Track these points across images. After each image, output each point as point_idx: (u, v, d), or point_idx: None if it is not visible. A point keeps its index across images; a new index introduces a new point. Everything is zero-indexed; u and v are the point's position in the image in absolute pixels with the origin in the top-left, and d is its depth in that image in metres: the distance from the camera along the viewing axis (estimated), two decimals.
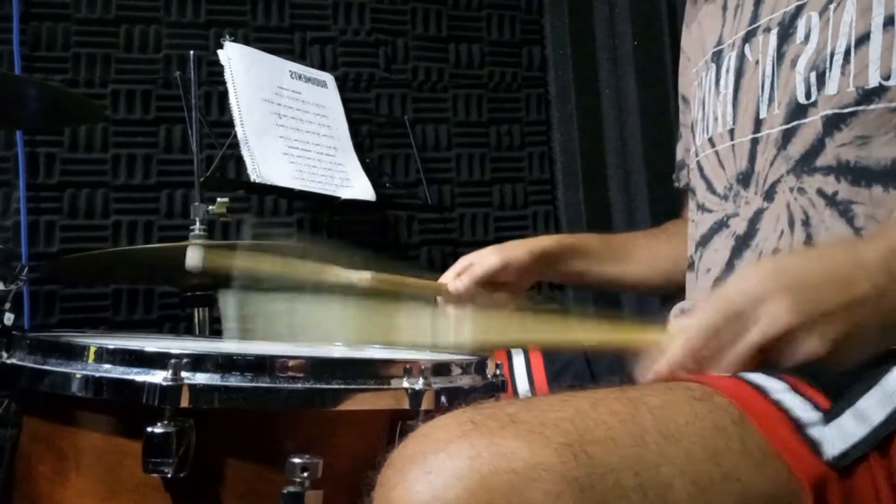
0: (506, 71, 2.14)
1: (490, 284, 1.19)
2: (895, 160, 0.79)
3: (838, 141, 0.82)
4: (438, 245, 2.03)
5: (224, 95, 1.63)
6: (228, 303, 0.96)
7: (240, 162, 1.58)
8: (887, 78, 0.79)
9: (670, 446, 0.63)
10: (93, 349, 0.76)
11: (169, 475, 0.69)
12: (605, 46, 2.07)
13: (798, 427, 0.67)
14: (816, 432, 0.67)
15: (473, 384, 0.83)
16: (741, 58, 0.95)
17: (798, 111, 0.86)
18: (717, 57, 1.00)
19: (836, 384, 0.71)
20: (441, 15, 2.10)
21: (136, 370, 0.73)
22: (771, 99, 0.89)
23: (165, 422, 0.69)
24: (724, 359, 0.70)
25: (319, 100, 1.76)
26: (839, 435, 0.66)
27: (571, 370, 1.15)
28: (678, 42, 1.22)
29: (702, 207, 1.01)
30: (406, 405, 0.75)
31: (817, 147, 0.83)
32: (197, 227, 1.48)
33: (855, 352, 0.69)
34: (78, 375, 0.74)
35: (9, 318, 1.02)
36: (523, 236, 2.09)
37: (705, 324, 0.71)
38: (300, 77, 1.74)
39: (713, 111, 0.99)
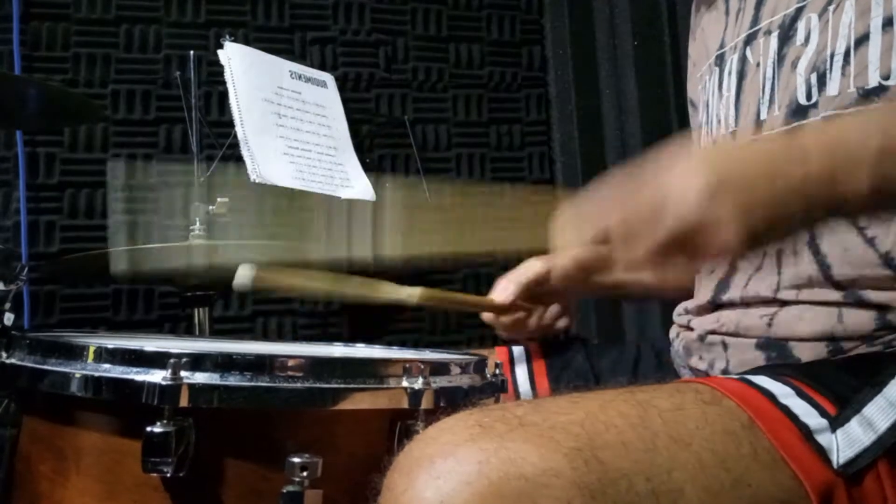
0: (506, 71, 2.14)
1: (538, 294, 1.14)
2: None
3: None
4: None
5: (224, 95, 1.63)
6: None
7: (240, 162, 1.58)
8: (887, 78, 0.79)
9: (681, 451, 0.63)
10: (92, 349, 0.75)
11: (168, 474, 0.69)
12: (605, 46, 2.07)
13: (806, 434, 0.66)
14: (824, 439, 0.66)
15: (473, 384, 0.83)
16: (743, 60, 0.95)
17: (798, 112, 0.86)
18: (720, 60, 1.01)
19: (841, 389, 0.70)
20: (441, 15, 2.10)
21: (135, 370, 0.73)
22: (771, 100, 0.89)
23: (165, 421, 0.69)
24: (635, 250, 0.65)
25: (319, 100, 1.76)
26: (847, 442, 0.66)
27: (573, 369, 1.15)
28: (678, 42, 1.22)
29: None
30: (405, 404, 0.75)
31: None
32: (197, 227, 1.48)
33: (776, 237, 0.66)
34: (77, 375, 0.74)
35: (9, 318, 1.01)
36: None
37: (616, 210, 0.66)
38: (300, 77, 1.74)
39: (717, 114, 0.99)
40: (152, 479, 0.71)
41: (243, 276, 0.95)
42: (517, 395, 1.13)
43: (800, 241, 0.84)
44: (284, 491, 0.68)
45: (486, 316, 1.17)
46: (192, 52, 1.62)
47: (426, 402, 0.75)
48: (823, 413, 0.68)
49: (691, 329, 0.98)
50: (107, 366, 0.74)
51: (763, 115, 0.90)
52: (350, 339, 1.14)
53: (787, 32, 0.89)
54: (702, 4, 1.11)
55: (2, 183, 1.77)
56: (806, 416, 0.67)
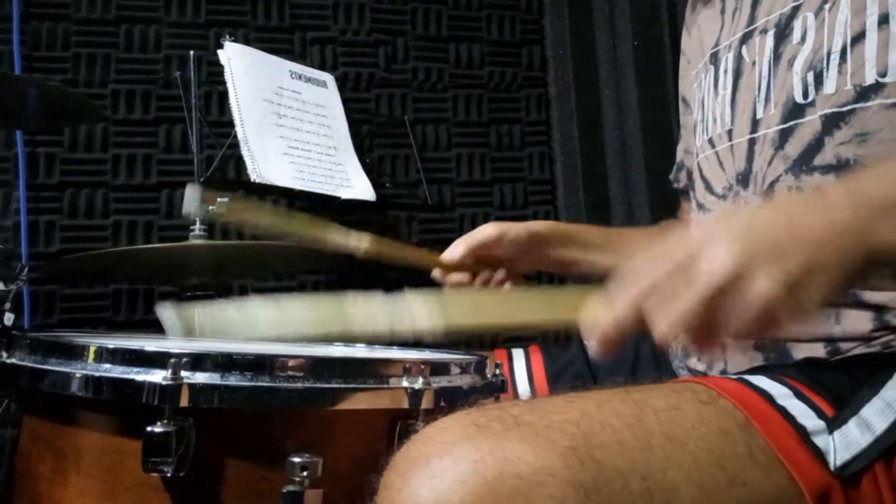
0: (506, 71, 2.14)
1: (486, 258, 1.15)
2: (893, 157, 0.79)
3: (838, 139, 0.82)
4: (438, 245, 2.02)
5: (224, 95, 1.63)
6: (166, 314, 0.90)
7: (240, 162, 1.58)
8: (883, 75, 0.79)
9: (676, 450, 0.63)
10: (93, 349, 0.76)
11: (168, 474, 0.69)
12: (605, 46, 2.07)
13: (803, 435, 0.66)
14: (821, 441, 0.66)
15: (473, 384, 0.83)
16: (738, 59, 0.95)
17: (795, 111, 0.86)
18: (715, 58, 1.01)
19: (839, 390, 0.70)
20: (441, 15, 2.10)
21: (135, 370, 0.73)
22: (767, 99, 0.89)
23: (165, 421, 0.69)
24: (670, 314, 0.61)
25: (319, 100, 1.76)
26: (844, 444, 0.66)
27: (572, 370, 1.15)
28: (678, 42, 1.22)
29: (701, 207, 1.01)
30: (405, 404, 0.75)
31: (815, 146, 0.83)
32: (197, 227, 1.49)
33: (815, 293, 0.61)
34: (78, 375, 0.74)
35: (9, 318, 1.01)
36: None
37: (648, 274, 0.63)
38: (300, 77, 1.74)
39: (712, 112, 0.99)
40: (152, 479, 0.71)
41: (191, 198, 0.93)
42: (516, 395, 1.13)
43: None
44: (285, 491, 0.69)
45: (435, 272, 1.17)
46: (192, 52, 1.62)
47: (426, 402, 0.75)
48: (821, 414, 0.68)
49: None
50: (107, 366, 0.74)
51: (759, 114, 0.90)
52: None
53: (783, 31, 0.89)
54: (698, 1, 1.11)
55: (2, 183, 1.77)
56: (803, 417, 0.68)
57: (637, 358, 1.13)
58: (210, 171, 1.56)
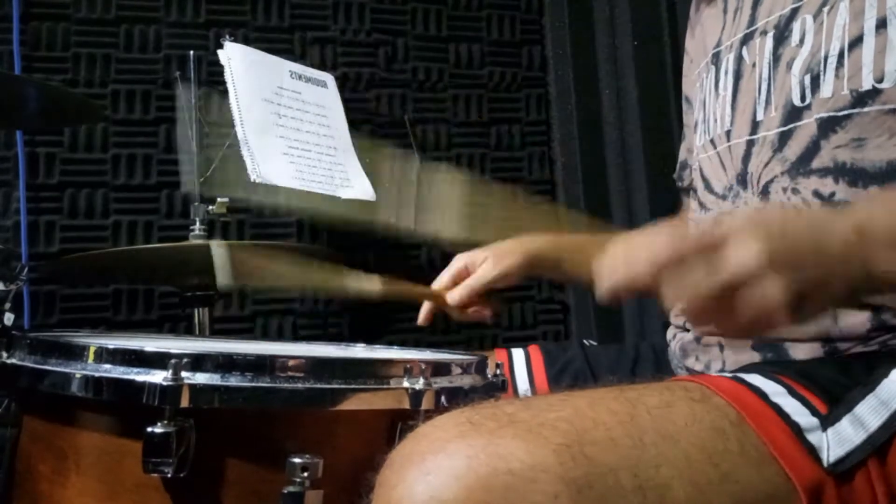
0: (506, 71, 2.14)
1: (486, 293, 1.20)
2: (890, 162, 0.79)
3: (834, 143, 0.82)
4: (438, 245, 2.03)
5: (224, 95, 1.63)
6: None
7: (240, 162, 1.58)
8: (880, 81, 0.79)
9: (669, 447, 0.63)
10: (93, 349, 0.76)
11: (169, 475, 0.69)
12: (605, 46, 2.07)
13: (796, 432, 0.67)
14: (815, 438, 0.67)
15: (474, 384, 0.83)
16: (739, 60, 0.95)
17: (794, 113, 0.86)
18: (717, 59, 1.01)
19: (834, 388, 0.71)
20: (441, 15, 2.10)
21: (136, 370, 0.73)
22: (768, 101, 0.89)
23: (165, 421, 0.69)
24: (685, 290, 0.64)
25: (319, 100, 1.76)
26: (837, 440, 0.66)
27: (572, 369, 1.15)
28: (678, 42, 1.22)
29: (702, 206, 1.01)
30: (406, 405, 0.75)
31: (812, 149, 0.83)
32: (197, 227, 1.49)
33: (817, 306, 0.67)
34: (78, 375, 0.74)
35: (9, 318, 1.01)
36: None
37: (677, 246, 0.65)
38: (300, 77, 1.74)
39: (713, 113, 0.99)
40: (153, 480, 0.71)
41: (221, 262, 0.98)
42: (516, 395, 1.13)
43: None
44: (285, 491, 0.69)
45: (435, 303, 1.24)
46: (192, 52, 1.62)
47: (427, 403, 0.75)
48: (815, 412, 0.68)
49: (687, 330, 0.98)
50: (107, 366, 0.74)
51: (759, 116, 0.90)
52: (350, 339, 1.14)
53: (782, 33, 0.89)
54: (701, 1, 1.11)
55: (2, 183, 1.77)
56: (796, 414, 0.68)
57: (637, 358, 1.13)
58: (210, 171, 1.56)
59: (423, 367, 0.77)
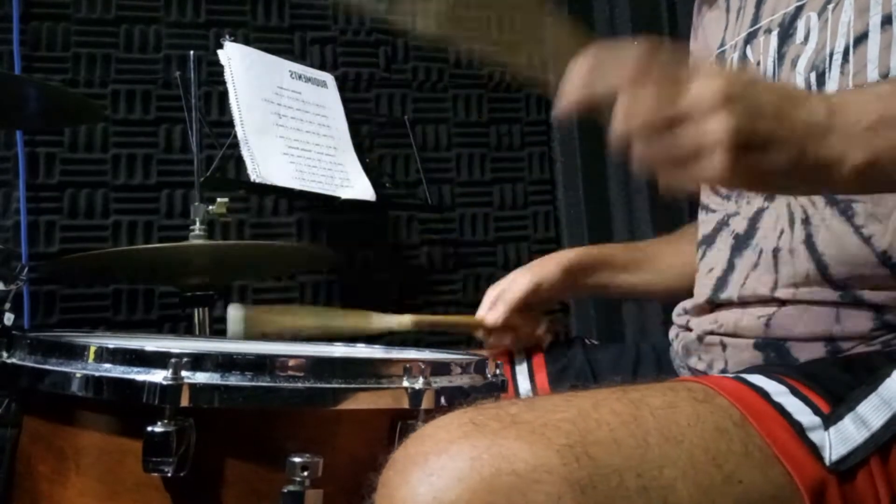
0: (506, 71, 2.14)
1: (526, 307, 1.16)
2: None
3: None
4: (438, 245, 2.03)
5: (224, 95, 1.63)
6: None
7: (240, 162, 1.58)
8: (885, 76, 0.79)
9: (672, 448, 0.63)
10: (93, 349, 0.76)
11: (169, 474, 0.69)
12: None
13: (799, 431, 0.67)
14: (817, 437, 0.67)
15: (473, 384, 0.83)
16: (743, 59, 0.95)
17: None
18: (721, 59, 1.01)
19: (836, 387, 0.71)
20: None
21: (136, 369, 0.73)
22: None
23: (165, 421, 0.69)
24: (636, 109, 0.63)
25: (319, 100, 1.76)
26: (839, 439, 0.66)
27: (573, 370, 1.15)
28: (678, 42, 1.22)
29: (706, 208, 1.01)
30: (406, 404, 0.75)
31: None
32: (197, 227, 1.49)
33: (758, 170, 0.63)
34: (78, 375, 0.74)
35: (9, 318, 1.01)
36: (523, 236, 2.10)
37: (645, 67, 0.64)
38: (300, 77, 1.74)
39: None
40: (153, 479, 0.71)
41: (235, 317, 0.99)
42: (517, 395, 1.13)
43: (796, 238, 0.84)
44: (285, 491, 0.69)
45: (478, 333, 1.19)
46: (192, 52, 1.61)
47: (427, 402, 0.75)
48: (817, 411, 0.68)
49: (690, 329, 0.98)
50: (108, 366, 0.74)
51: None
52: (351, 339, 1.14)
53: (786, 31, 0.89)
54: (703, 4, 1.12)
55: (2, 183, 1.77)
56: (799, 413, 0.68)
57: (639, 357, 1.13)
58: (210, 171, 1.56)
59: (423, 366, 0.77)
